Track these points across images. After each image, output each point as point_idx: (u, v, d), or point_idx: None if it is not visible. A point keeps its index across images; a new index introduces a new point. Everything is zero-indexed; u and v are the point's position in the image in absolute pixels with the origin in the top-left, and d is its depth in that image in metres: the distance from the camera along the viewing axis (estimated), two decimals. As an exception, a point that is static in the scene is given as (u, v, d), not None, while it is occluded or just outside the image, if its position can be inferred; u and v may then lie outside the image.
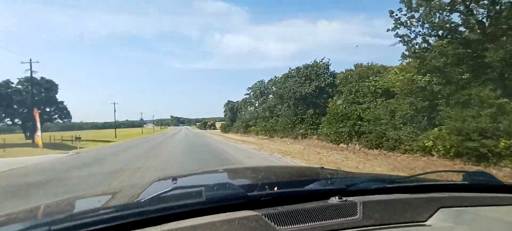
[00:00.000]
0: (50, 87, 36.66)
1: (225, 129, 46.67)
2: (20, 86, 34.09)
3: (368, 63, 17.22)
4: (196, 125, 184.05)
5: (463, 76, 9.22)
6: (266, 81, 26.39)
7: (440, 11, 8.95)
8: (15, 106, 34.13)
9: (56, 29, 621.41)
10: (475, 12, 8.62)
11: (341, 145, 14.42)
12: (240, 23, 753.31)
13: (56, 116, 40.16)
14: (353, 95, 14.48)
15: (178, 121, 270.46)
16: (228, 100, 50.86)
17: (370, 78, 14.11)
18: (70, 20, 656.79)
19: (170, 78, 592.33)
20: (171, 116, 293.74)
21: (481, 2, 8.46)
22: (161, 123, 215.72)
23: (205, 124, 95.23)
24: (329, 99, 15.87)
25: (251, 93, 30.15)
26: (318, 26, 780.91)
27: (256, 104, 28.05)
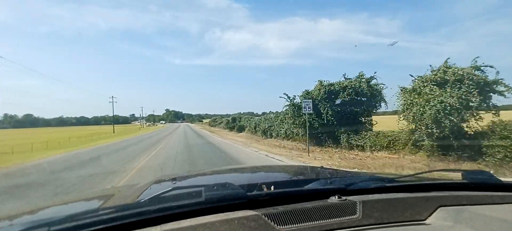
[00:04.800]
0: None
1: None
2: None
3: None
4: (201, 122, 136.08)
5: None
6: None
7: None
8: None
9: (55, 23, 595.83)
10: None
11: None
12: (241, 19, 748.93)
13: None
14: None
15: (176, 116, 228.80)
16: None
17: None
18: (69, 14, 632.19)
19: (169, 74, 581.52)
20: (167, 110, 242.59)
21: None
22: (154, 119, 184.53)
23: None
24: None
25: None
26: (319, 24, 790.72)
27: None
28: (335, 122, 13.16)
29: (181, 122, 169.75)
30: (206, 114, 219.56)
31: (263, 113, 34.09)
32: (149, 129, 71.91)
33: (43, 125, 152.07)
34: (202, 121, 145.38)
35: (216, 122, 65.42)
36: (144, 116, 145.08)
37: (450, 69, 8.45)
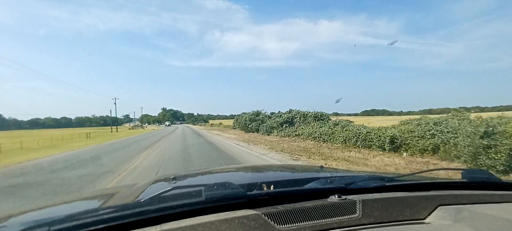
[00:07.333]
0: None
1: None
2: None
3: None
4: (206, 122, 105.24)
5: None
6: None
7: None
8: None
9: (53, 24, 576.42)
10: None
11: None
12: (240, 21, 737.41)
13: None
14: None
15: (174, 116, 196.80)
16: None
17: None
18: (67, 15, 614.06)
19: (168, 76, 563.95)
20: (163, 109, 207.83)
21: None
22: (148, 120, 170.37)
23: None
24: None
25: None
26: (318, 26, 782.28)
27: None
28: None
29: (180, 124, 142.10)
30: (208, 114, 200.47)
31: (272, 113, 31.31)
32: (114, 137, 35.09)
33: (14, 127, 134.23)
34: (208, 121, 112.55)
35: (259, 120, 29.09)
36: (136, 117, 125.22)
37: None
